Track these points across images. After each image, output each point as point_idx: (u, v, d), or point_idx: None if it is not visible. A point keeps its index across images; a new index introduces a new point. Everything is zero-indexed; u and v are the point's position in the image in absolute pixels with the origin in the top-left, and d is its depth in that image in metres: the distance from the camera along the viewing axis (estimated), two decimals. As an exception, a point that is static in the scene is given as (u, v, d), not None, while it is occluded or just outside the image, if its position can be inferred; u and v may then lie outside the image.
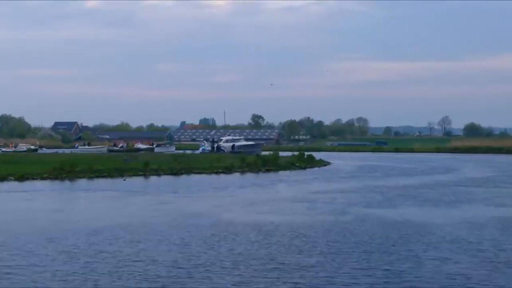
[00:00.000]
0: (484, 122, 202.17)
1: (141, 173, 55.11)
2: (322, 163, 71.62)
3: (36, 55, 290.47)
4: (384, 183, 46.07)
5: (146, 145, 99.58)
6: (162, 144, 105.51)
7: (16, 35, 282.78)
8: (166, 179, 51.98)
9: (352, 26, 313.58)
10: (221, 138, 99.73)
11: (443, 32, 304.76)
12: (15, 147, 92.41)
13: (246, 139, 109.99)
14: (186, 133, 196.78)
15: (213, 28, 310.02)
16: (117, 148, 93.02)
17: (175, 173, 56.25)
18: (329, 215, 28.60)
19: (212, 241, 21.57)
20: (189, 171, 57.41)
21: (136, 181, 49.47)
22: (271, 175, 56.32)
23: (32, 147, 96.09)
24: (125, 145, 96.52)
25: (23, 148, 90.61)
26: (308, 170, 63.43)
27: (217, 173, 57.54)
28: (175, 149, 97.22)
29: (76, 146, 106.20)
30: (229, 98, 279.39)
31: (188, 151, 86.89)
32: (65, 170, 52.53)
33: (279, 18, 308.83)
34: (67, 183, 47.96)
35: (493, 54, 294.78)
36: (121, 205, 33.22)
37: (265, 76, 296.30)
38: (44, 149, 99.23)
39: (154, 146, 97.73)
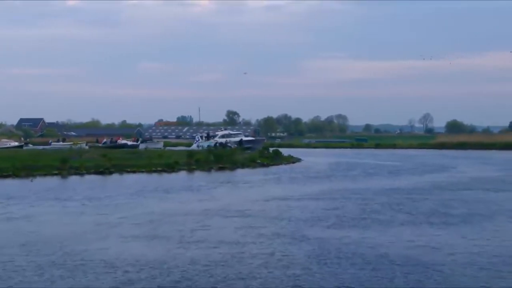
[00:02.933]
0: (466, 121, 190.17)
1: (56, 172, 42.41)
2: (291, 159, 58.96)
3: (17, 53, 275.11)
4: (364, 186, 33.59)
5: (130, 141, 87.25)
6: (148, 140, 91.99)
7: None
8: (87, 179, 39.67)
9: (333, 25, 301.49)
10: (217, 133, 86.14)
11: (424, 32, 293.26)
12: None
13: (245, 135, 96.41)
14: (158, 130, 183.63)
15: (196, 27, 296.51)
16: (99, 145, 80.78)
17: (102, 172, 43.51)
18: (260, 248, 16.03)
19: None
20: (121, 169, 44.69)
21: (45, 182, 37.45)
22: (224, 174, 43.77)
23: (16, 143, 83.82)
24: (108, 141, 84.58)
25: (6, 145, 78.05)
26: (272, 167, 50.84)
27: (157, 171, 44.92)
28: (163, 146, 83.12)
29: (49, 142, 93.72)
30: (209, 96, 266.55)
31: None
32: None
33: (262, 17, 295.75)
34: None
35: (475, 53, 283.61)
36: None
37: (246, 75, 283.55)
38: (30, 145, 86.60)
39: (139, 142, 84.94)
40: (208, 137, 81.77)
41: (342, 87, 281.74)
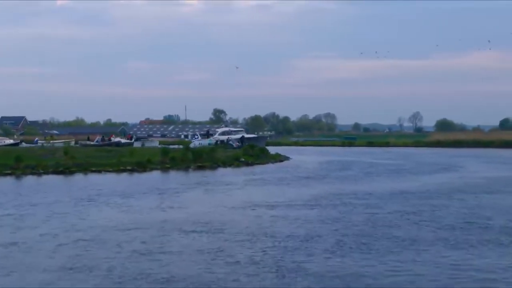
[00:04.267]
0: (456, 120, 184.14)
1: (9, 172, 36.43)
2: (278, 158, 52.94)
3: (4, 52, 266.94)
4: (366, 188, 27.66)
5: (125, 139, 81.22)
6: (143, 138, 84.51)
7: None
8: (43, 180, 33.84)
9: (322, 24, 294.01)
10: (216, 130, 79.23)
11: (411, 31, 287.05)
12: None
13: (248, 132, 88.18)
14: (142, 129, 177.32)
15: (185, 27, 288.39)
16: (92, 143, 74.53)
17: (63, 171, 37.50)
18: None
19: None
20: (85, 169, 38.68)
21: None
22: (202, 174, 37.83)
23: (12, 141, 78.10)
24: (100, 138, 78.56)
25: (1, 143, 72.65)
26: (257, 167, 44.88)
27: (127, 171, 39.05)
28: (159, 144, 76.32)
29: (35, 140, 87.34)
30: (197, 96, 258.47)
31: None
32: None
33: (250, 17, 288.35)
34: None
35: (464, 53, 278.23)
36: None
37: (234, 74, 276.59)
38: (24, 143, 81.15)
39: (133, 140, 78.49)
40: (208, 135, 75.29)
41: (331, 86, 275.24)
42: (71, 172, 37.51)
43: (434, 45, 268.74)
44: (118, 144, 70.21)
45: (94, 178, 34.40)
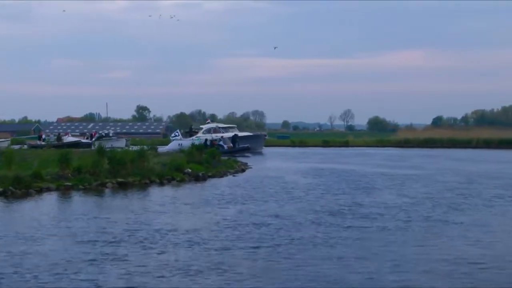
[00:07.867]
0: (388, 118, 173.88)
1: None
2: (236, 165, 36.50)
3: None
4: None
5: (84, 138, 65.46)
6: (106, 137, 65.16)
7: None
8: None
9: (248, 23, 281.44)
10: (201, 126, 61.74)
11: (335, 31, 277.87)
12: None
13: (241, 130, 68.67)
14: (59, 127, 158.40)
15: (107, 24, 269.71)
16: (42, 143, 57.31)
17: None
18: None
19: None
20: None
21: None
22: (123, 201, 21.37)
23: None
24: (50, 137, 64.27)
25: None
26: (210, 181, 28.71)
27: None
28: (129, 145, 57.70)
29: None
30: (120, 94, 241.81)
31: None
32: None
33: (177, 15, 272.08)
34: None
35: (392, 52, 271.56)
36: None
37: (157, 72, 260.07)
38: None
39: (93, 139, 60.66)
40: (191, 133, 58.09)
41: (258, 84, 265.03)
42: None
43: (359, 44, 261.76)
44: (77, 144, 53.53)
45: None
